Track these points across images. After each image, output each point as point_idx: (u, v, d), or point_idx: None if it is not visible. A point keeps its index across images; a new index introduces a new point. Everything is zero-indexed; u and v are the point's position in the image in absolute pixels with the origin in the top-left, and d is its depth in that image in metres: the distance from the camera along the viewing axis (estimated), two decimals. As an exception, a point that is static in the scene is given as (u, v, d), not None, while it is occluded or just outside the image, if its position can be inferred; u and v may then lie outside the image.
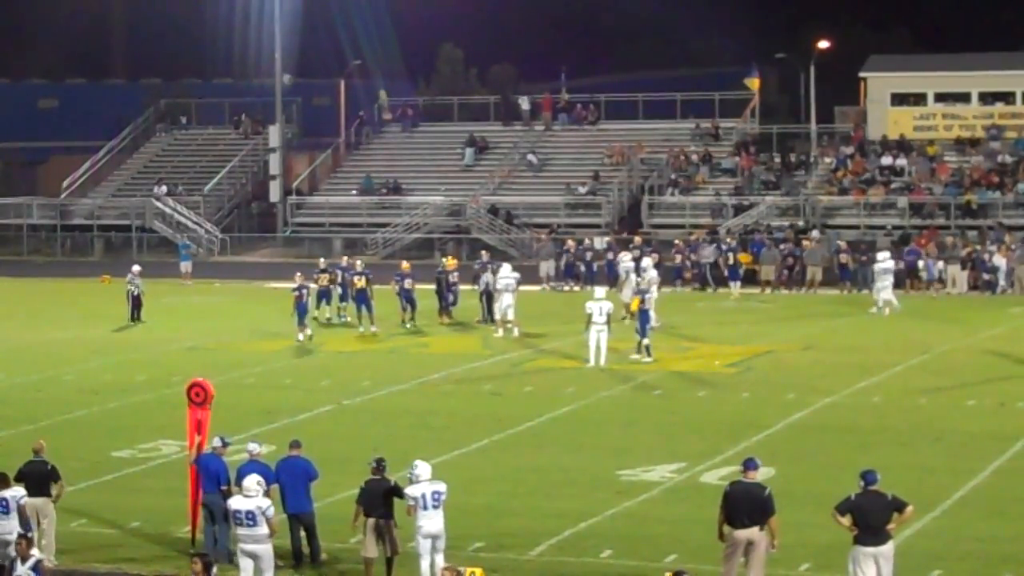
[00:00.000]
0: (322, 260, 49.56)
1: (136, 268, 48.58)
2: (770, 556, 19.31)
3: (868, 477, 18.78)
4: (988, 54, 71.76)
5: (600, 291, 39.34)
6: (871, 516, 18.50)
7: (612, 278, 52.42)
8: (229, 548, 20.82)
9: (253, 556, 19.60)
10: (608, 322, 37.73)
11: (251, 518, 19.56)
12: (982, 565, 21.11)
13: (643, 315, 38.77)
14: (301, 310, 42.75)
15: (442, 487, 20.07)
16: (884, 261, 49.65)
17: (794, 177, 67.26)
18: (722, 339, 42.72)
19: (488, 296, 45.77)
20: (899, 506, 18.64)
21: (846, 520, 18.61)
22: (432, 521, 19.89)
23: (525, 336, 43.19)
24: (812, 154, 68.97)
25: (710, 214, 65.99)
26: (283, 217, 74.20)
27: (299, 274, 44.37)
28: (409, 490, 19.95)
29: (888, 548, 18.54)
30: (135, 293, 47.33)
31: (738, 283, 54.68)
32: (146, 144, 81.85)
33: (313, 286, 45.54)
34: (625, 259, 49.94)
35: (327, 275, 46.71)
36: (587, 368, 37.22)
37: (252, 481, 19.86)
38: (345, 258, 49.92)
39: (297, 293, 42.98)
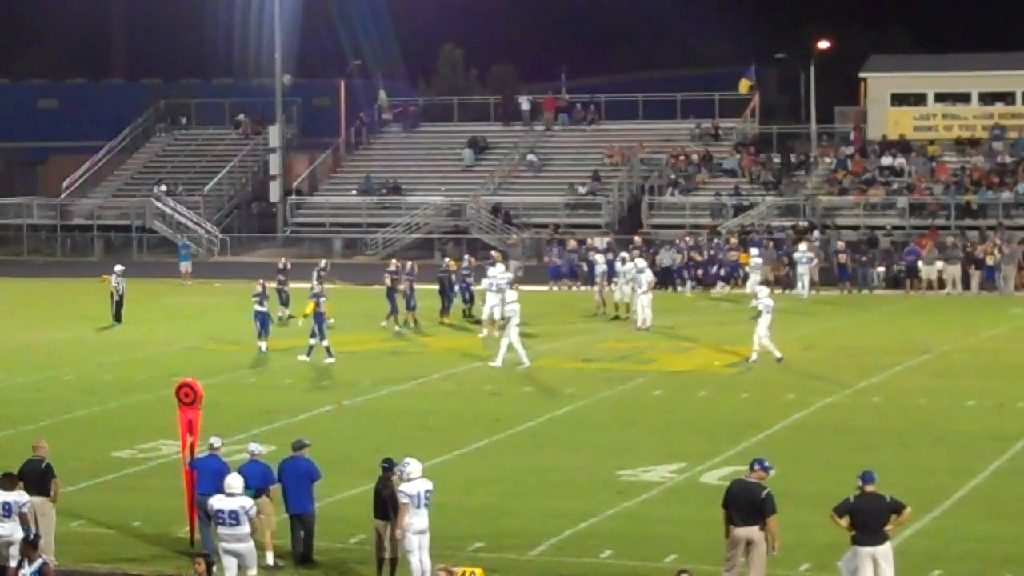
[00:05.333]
0: (282, 260, 49.58)
1: (119, 268, 48.28)
2: (771, 557, 19.32)
3: (865, 477, 18.90)
4: (988, 54, 71.72)
5: (513, 294, 39.22)
6: (868, 517, 18.60)
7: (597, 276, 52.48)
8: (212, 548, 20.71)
9: (236, 555, 19.60)
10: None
11: (234, 517, 19.57)
12: (982, 565, 21.13)
13: (318, 317, 39.10)
14: (262, 320, 40.95)
15: (431, 485, 20.13)
16: (755, 257, 52.64)
17: (794, 177, 67.29)
18: (722, 339, 42.71)
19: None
20: (897, 508, 18.72)
21: (844, 521, 18.71)
22: (421, 519, 19.95)
23: (523, 336, 43.27)
24: (812, 154, 68.97)
25: (710, 214, 66.01)
26: (283, 217, 74.23)
27: (261, 280, 42.53)
28: (403, 487, 19.97)
29: (885, 548, 18.61)
30: (120, 292, 47.20)
31: (690, 283, 55.19)
32: (146, 144, 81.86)
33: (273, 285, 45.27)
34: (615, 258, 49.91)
35: (283, 275, 46.82)
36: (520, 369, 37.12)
37: (235, 480, 19.86)
38: (323, 260, 49.71)
39: (257, 299, 41.08)
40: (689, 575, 16.91)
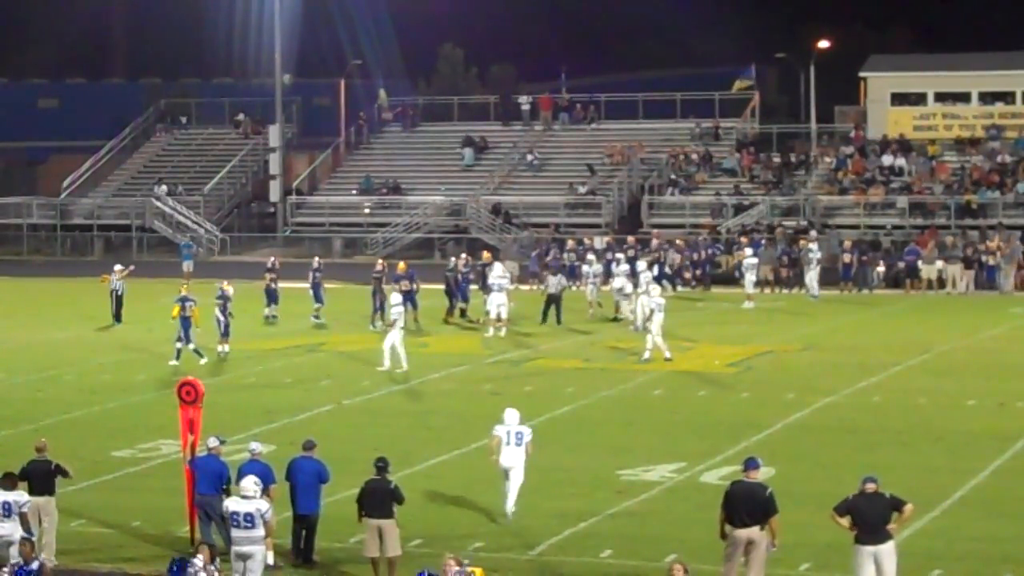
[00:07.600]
0: (271, 259, 49.52)
1: (118, 267, 48.21)
2: (770, 555, 19.33)
3: (867, 479, 18.92)
4: (988, 54, 71.74)
5: (398, 297, 38.67)
6: (868, 515, 18.63)
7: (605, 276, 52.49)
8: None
9: (247, 557, 19.56)
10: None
11: (249, 520, 19.52)
12: (982, 565, 21.12)
13: (185, 321, 38.73)
14: (224, 323, 39.98)
15: (525, 430, 23.13)
16: (749, 257, 51.86)
17: (794, 177, 67.29)
18: (722, 339, 42.71)
19: (553, 300, 45.68)
20: (897, 504, 18.73)
21: (845, 521, 18.72)
22: (509, 456, 23.03)
23: (524, 336, 43.29)
24: (812, 154, 68.98)
25: (710, 214, 66.00)
26: (283, 217, 74.23)
27: (225, 282, 41.89)
28: (496, 428, 23.17)
29: (888, 547, 18.61)
30: (118, 292, 47.16)
31: (667, 283, 55.40)
32: (146, 144, 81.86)
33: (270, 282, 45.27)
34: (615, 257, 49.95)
35: (272, 274, 46.76)
36: (382, 371, 36.88)
37: (249, 482, 19.83)
38: (316, 258, 49.65)
39: (221, 302, 40.22)
40: (682, 566, 17.19)
